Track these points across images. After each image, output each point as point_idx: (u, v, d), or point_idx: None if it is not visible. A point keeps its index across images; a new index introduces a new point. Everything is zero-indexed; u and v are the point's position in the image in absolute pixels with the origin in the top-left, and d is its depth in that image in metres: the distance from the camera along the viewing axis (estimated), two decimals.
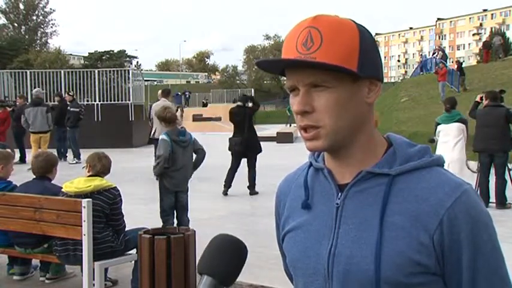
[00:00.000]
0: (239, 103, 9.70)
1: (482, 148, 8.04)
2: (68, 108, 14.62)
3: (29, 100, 15.98)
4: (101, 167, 4.65)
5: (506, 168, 8.04)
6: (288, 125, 31.13)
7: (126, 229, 4.66)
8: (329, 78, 1.02)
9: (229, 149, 9.59)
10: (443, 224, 1.00)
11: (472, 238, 1.01)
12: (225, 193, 9.44)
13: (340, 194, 1.10)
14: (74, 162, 13.94)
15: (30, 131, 13.37)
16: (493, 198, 8.05)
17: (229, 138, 9.62)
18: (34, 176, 4.90)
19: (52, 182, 4.93)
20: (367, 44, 1.04)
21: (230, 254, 1.04)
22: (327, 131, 1.04)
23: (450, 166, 7.13)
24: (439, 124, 7.90)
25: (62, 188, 4.64)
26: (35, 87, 19.60)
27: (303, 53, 1.02)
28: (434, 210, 1.01)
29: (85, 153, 12.91)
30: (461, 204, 1.01)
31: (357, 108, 1.05)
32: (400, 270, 1.01)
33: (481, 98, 8.44)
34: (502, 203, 7.95)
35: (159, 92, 11.62)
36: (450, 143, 7.54)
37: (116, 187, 4.56)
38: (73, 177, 4.81)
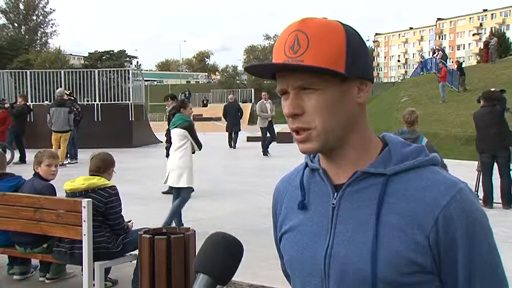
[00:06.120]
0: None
1: (483, 148, 8.12)
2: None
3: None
4: (91, 166, 4.71)
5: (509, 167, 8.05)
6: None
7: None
8: (317, 81, 1.03)
9: None
10: (439, 223, 1.01)
11: (467, 237, 1.01)
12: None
13: (336, 194, 1.10)
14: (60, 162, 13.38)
15: (52, 130, 13.58)
16: (496, 199, 8.07)
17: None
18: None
19: (57, 182, 4.96)
20: (354, 45, 1.05)
21: (226, 252, 1.04)
22: (318, 132, 1.05)
23: (170, 174, 6.66)
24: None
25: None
26: (35, 87, 19.63)
27: (291, 56, 1.03)
28: (429, 209, 1.01)
29: (85, 153, 12.96)
30: (457, 203, 1.01)
31: (347, 109, 1.07)
32: (396, 269, 1.01)
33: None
34: (509, 202, 7.99)
35: (263, 94, 16.66)
36: (173, 149, 6.88)
37: (113, 186, 4.55)
38: (74, 177, 4.81)
